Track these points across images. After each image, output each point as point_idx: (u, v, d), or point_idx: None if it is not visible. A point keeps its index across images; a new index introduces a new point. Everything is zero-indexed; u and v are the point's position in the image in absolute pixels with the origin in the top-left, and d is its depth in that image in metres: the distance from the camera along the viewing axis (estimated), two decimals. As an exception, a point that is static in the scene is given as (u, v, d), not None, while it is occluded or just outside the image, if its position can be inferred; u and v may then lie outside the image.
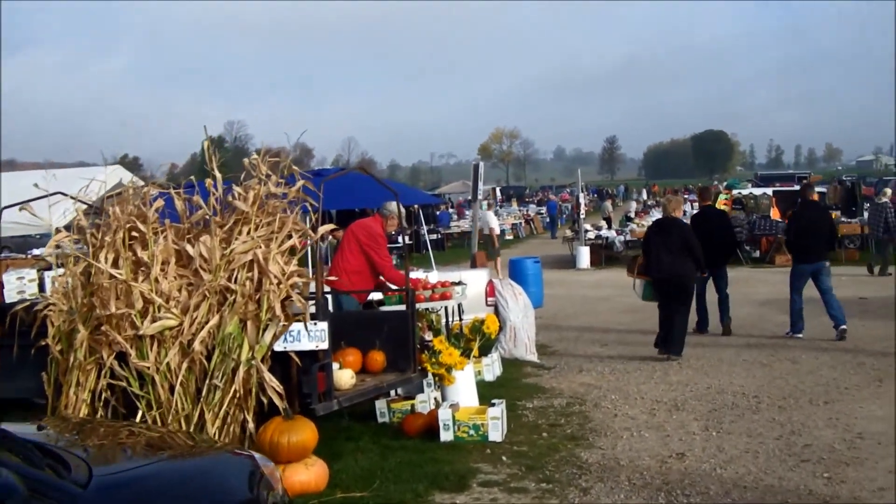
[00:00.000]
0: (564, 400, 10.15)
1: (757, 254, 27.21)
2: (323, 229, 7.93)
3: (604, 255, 28.42)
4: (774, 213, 28.50)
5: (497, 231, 26.60)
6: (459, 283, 11.15)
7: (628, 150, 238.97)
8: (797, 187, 34.89)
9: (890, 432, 8.25)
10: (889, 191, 24.58)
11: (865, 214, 29.40)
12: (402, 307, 9.39)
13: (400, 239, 32.93)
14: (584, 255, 27.53)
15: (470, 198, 16.29)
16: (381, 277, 10.22)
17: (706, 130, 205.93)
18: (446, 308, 11.10)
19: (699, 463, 7.61)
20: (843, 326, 13.31)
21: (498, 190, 77.40)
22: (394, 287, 10.20)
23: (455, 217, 46.60)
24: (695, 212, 17.83)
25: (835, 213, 28.59)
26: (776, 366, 11.60)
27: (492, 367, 11.44)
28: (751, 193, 31.36)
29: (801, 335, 13.54)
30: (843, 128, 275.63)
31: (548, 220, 50.71)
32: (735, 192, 32.47)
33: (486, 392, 10.26)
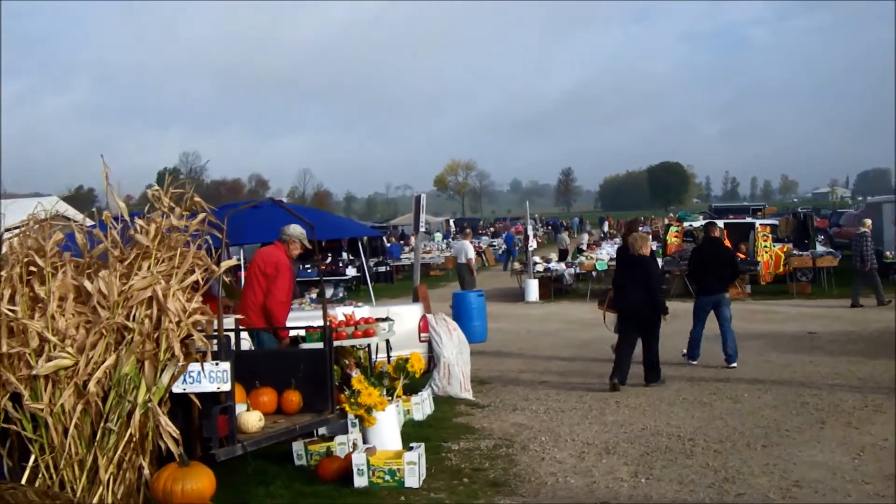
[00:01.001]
0: (492, 441, 9.65)
1: (707, 286, 26.86)
2: (226, 264, 7.45)
3: (553, 287, 28.07)
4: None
5: (474, 260, 26.48)
6: (386, 319, 10.73)
7: (584, 182, 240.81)
8: (750, 219, 34.98)
9: (828, 480, 7.85)
10: (869, 221, 24.47)
11: (819, 247, 29.38)
12: (321, 345, 8.92)
13: (348, 271, 32.96)
14: (532, 289, 27.18)
15: (420, 229, 15.81)
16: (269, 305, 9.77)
17: (662, 162, 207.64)
18: (369, 346, 10.67)
19: (624, 514, 7.16)
20: (734, 365, 13.95)
21: (451, 221, 77.16)
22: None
23: (407, 249, 46.15)
24: (619, 245, 18.44)
25: (786, 246, 28.60)
26: (716, 405, 11.20)
27: (422, 406, 10.96)
28: (702, 226, 31.10)
29: (694, 362, 14.31)
30: (800, 160, 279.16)
31: (500, 251, 50.45)
32: (686, 224, 32.24)
33: (414, 432, 9.87)
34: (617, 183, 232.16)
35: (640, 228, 16.34)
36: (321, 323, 9.12)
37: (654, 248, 18.18)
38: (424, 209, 18.31)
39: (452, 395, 12.13)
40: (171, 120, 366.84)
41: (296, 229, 9.89)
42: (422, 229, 18.84)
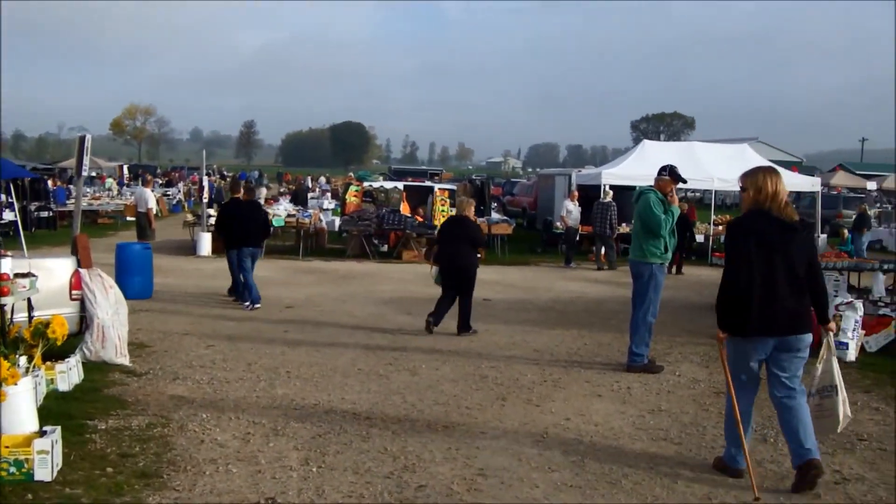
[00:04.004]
0: (146, 419, 8.40)
1: (385, 248, 26.69)
2: None
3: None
4: (405, 208, 28.10)
5: (155, 210, 24.84)
6: (27, 276, 9.33)
7: (266, 136, 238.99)
8: (429, 183, 35.21)
9: (514, 467, 7.28)
10: (611, 191, 26.05)
11: (494, 214, 29.86)
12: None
13: (6, 215, 30.23)
14: (205, 242, 25.79)
15: (84, 173, 14.25)
16: None
17: (344, 122, 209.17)
18: (3, 307, 9.21)
19: (292, 511, 6.22)
20: (258, 305, 15.83)
21: (126, 167, 73.67)
22: None
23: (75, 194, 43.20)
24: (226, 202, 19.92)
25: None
26: (394, 377, 10.54)
27: (68, 375, 9.59)
28: (381, 187, 30.84)
29: (252, 305, 15.82)
30: (476, 130, 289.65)
31: (174, 202, 48.42)
32: (366, 184, 31.86)
33: (57, 407, 8.57)
34: (299, 139, 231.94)
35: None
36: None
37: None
38: (89, 151, 16.71)
39: (107, 360, 10.82)
40: None
41: None
42: (85, 173, 17.22)
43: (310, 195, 46.67)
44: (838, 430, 7.30)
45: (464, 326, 13.69)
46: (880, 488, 7.11)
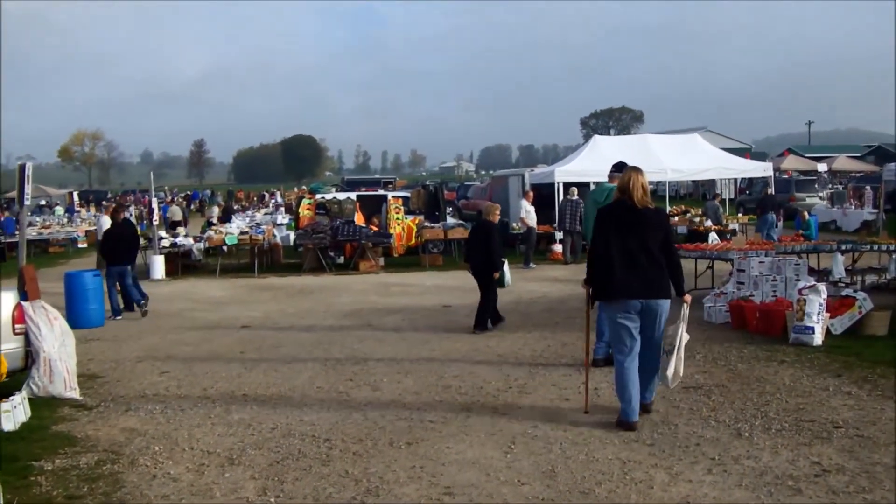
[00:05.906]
0: (96, 456, 7.97)
1: (341, 260, 26.39)
2: None
3: (180, 264, 26.30)
4: (359, 219, 27.78)
5: None
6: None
7: (218, 154, 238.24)
8: (382, 192, 35.05)
9: (482, 482, 6.93)
10: (576, 189, 26.83)
11: (450, 219, 29.72)
12: None
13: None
14: (157, 265, 25.26)
15: (26, 202, 13.89)
16: None
17: (295, 136, 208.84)
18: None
19: (249, 547, 5.86)
20: (146, 309, 17.42)
21: (76, 194, 72.72)
22: None
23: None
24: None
25: (418, 219, 28.70)
26: (354, 394, 10.20)
27: (14, 414, 9.16)
28: (335, 198, 30.47)
29: (120, 317, 17.33)
30: (427, 135, 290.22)
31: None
32: (318, 196, 31.47)
33: (1, 448, 8.14)
34: (250, 155, 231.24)
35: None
36: None
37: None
38: (30, 179, 16.29)
39: (56, 395, 10.40)
40: None
41: None
42: (28, 202, 16.79)
43: (263, 211, 46.39)
44: (670, 386, 8.91)
45: (494, 318, 14.75)
46: (862, 478, 6.85)
